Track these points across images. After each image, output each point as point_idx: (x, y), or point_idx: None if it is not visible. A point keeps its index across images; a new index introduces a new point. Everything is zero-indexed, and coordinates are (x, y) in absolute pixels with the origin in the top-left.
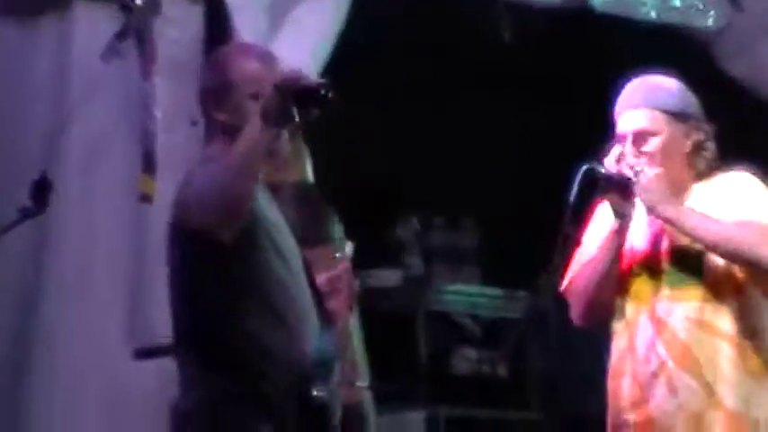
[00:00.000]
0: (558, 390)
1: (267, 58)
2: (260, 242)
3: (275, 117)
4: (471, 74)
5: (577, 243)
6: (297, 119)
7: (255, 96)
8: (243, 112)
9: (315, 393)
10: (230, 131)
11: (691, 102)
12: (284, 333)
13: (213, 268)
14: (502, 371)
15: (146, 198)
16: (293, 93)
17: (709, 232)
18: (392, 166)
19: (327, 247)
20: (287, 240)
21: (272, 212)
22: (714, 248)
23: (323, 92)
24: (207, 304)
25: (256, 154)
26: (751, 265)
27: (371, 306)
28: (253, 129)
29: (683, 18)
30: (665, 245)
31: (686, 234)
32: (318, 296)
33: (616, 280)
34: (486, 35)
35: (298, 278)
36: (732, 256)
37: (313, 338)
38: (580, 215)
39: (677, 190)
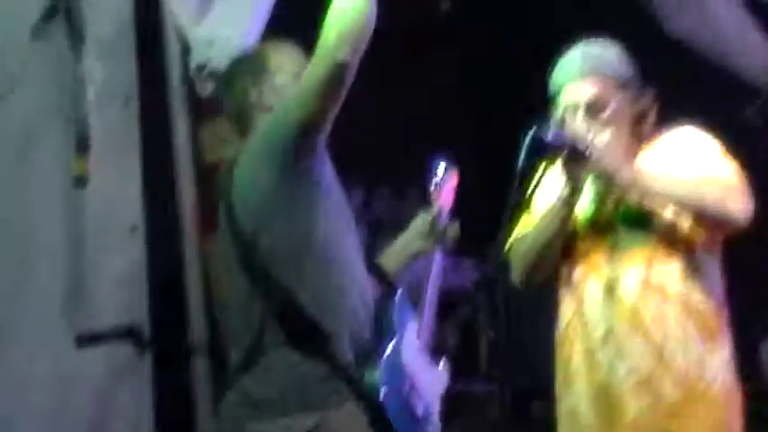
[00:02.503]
0: (508, 359)
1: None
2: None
3: None
4: (410, 41)
5: (526, 209)
6: None
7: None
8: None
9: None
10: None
11: (631, 68)
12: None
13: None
14: (452, 341)
15: (80, 180)
16: None
17: (671, 191)
18: (335, 138)
19: None
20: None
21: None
22: (680, 207)
23: None
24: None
25: None
26: (715, 220)
27: None
28: None
29: None
30: (611, 207)
31: (646, 195)
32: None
33: (561, 244)
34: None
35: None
36: (696, 212)
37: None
38: (528, 181)
39: (627, 155)
